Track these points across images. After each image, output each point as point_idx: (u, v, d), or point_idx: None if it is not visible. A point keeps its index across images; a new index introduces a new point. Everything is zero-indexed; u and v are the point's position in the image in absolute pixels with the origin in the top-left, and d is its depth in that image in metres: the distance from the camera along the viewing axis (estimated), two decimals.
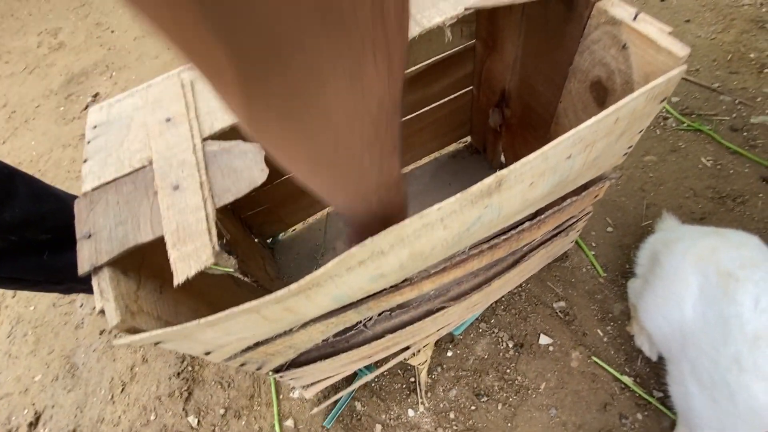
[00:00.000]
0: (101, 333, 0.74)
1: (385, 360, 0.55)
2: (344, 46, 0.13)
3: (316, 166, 0.18)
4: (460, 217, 0.28)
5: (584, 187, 0.39)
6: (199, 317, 0.25)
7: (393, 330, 0.44)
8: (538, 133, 0.49)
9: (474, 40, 0.49)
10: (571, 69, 0.39)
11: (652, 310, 0.44)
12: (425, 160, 0.68)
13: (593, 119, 0.27)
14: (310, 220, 0.69)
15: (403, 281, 0.35)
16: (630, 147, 0.36)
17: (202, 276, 0.42)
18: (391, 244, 0.26)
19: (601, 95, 0.37)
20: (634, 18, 0.31)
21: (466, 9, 0.35)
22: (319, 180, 0.20)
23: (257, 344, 0.33)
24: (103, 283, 0.27)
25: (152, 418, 0.62)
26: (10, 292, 0.84)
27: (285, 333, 0.34)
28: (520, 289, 0.58)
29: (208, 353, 0.31)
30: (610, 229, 0.60)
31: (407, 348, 0.54)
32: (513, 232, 0.37)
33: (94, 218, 0.29)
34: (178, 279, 0.27)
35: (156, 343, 0.27)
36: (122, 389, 0.66)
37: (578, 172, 0.33)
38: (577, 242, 0.59)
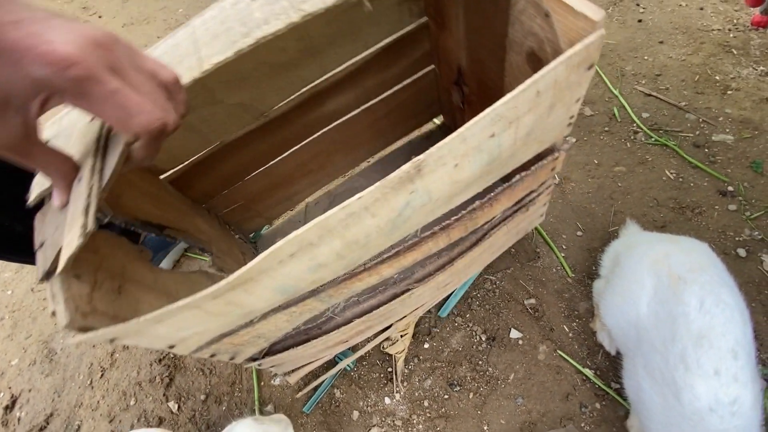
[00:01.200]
0: None
1: (365, 344, 0.58)
2: None
3: None
4: (386, 205, 0.28)
5: (534, 161, 0.38)
6: None
7: (362, 314, 0.45)
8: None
9: (425, 18, 0.49)
10: (508, 41, 0.38)
11: (612, 307, 0.48)
12: (399, 143, 0.68)
13: (509, 95, 0.26)
14: (291, 213, 0.71)
15: (360, 268, 0.36)
16: (572, 117, 0.35)
17: (170, 275, 0.43)
18: (318, 236, 0.27)
19: (537, 66, 0.35)
20: None
21: None
22: None
23: (222, 336, 0.34)
24: (54, 287, 0.28)
25: (132, 403, 0.63)
26: None
27: (246, 325, 0.35)
28: (494, 286, 0.61)
29: (171, 347, 0.32)
30: (579, 233, 0.64)
31: (386, 329, 0.56)
32: (464, 212, 0.38)
33: (44, 228, 0.31)
34: (59, 269, 0.27)
35: (111, 340, 0.28)
36: (101, 375, 0.67)
37: (512, 150, 0.33)
38: (548, 244, 0.63)
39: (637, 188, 0.67)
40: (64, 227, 0.28)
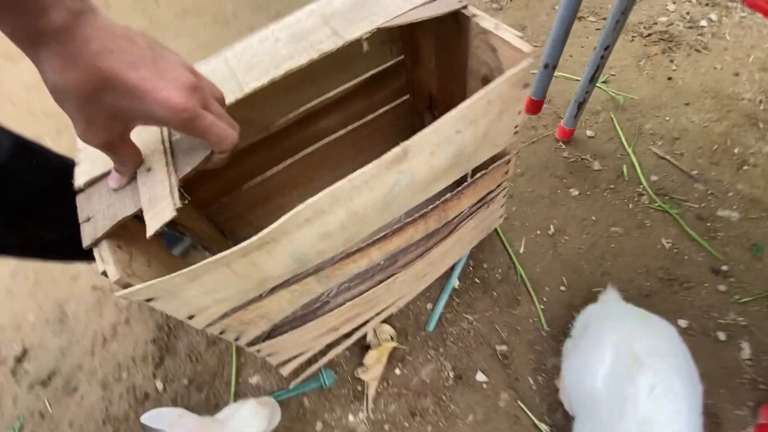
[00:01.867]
0: (93, 288, 0.81)
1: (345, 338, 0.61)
2: None
3: None
4: (380, 180, 0.36)
5: (490, 162, 0.48)
6: None
7: (353, 298, 0.52)
8: None
9: (403, 56, 0.60)
10: (468, 70, 0.49)
11: (572, 371, 0.49)
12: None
13: (469, 100, 0.36)
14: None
15: (354, 248, 0.43)
16: (516, 126, 0.46)
17: (184, 261, 0.49)
18: (329, 203, 0.35)
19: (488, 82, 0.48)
20: (496, 28, 0.41)
21: (377, 27, 0.43)
22: None
23: (233, 310, 0.40)
24: (103, 252, 0.34)
25: (124, 375, 0.69)
26: None
27: (255, 299, 0.41)
28: (470, 326, 0.64)
29: (191, 317, 0.37)
30: (563, 288, 0.65)
31: (368, 322, 0.61)
32: (438, 202, 0.46)
33: (90, 205, 0.36)
34: (150, 232, 0.33)
35: (148, 300, 0.33)
36: (103, 344, 0.73)
37: (474, 146, 0.43)
38: (529, 293, 0.64)
39: (630, 252, 0.67)
40: (125, 203, 0.35)
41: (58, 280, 0.84)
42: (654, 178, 0.75)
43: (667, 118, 0.83)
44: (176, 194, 0.34)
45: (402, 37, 0.57)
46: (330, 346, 0.61)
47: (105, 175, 0.37)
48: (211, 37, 1.29)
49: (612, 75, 0.93)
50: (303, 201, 0.89)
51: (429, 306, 0.66)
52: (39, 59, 0.26)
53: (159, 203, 0.33)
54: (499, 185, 0.55)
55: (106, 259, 0.33)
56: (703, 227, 0.68)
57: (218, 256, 0.32)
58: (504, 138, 0.46)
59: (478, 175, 0.48)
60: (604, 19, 1.05)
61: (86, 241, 0.34)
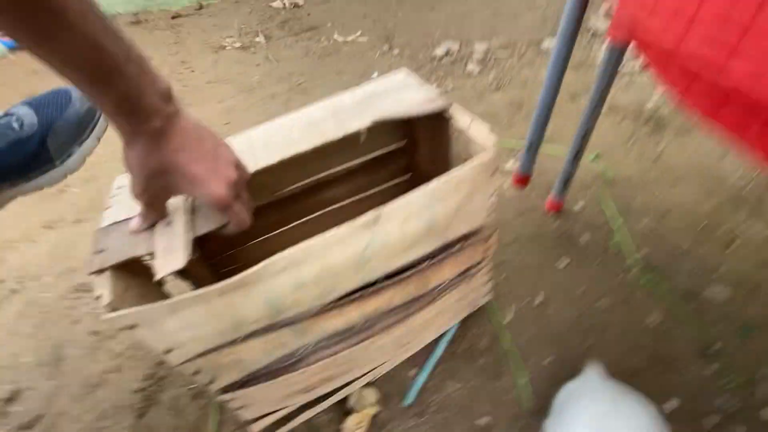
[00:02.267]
0: (92, 333, 0.83)
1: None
2: None
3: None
4: (354, 240, 0.41)
5: (467, 237, 0.52)
6: None
7: (327, 357, 0.53)
8: None
9: (405, 142, 0.68)
10: (450, 156, 0.57)
11: None
12: None
13: (437, 180, 0.42)
14: None
15: (330, 305, 0.45)
16: (490, 208, 0.50)
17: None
18: (304, 256, 0.39)
19: None
20: (470, 123, 0.48)
21: (373, 121, 0.51)
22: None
23: (209, 351, 0.43)
24: (104, 279, 0.38)
25: (105, 425, 0.69)
26: (34, 276, 0.97)
27: (230, 343, 0.43)
28: (455, 395, 0.63)
29: (169, 350, 0.40)
30: (549, 360, 0.64)
31: (345, 387, 0.61)
32: (416, 269, 0.50)
33: (106, 240, 0.41)
34: (159, 275, 0.37)
35: (131, 327, 0.36)
36: (91, 391, 0.74)
37: (447, 220, 0.47)
38: (513, 365, 0.64)
39: (617, 327, 0.67)
40: (138, 245, 0.40)
41: (60, 323, 0.87)
42: (642, 253, 0.76)
43: (656, 194, 0.86)
44: (189, 249, 0.39)
45: (403, 127, 0.65)
46: (306, 407, 0.60)
47: (126, 220, 0.43)
48: (236, 103, 1.42)
49: (602, 152, 0.99)
50: None
51: (413, 372, 0.66)
52: (131, 145, 0.35)
53: (172, 253, 0.38)
54: (481, 260, 0.58)
55: (103, 285, 0.37)
56: (691, 306, 0.68)
57: (197, 291, 0.36)
58: (478, 216, 0.50)
59: (457, 246, 0.52)
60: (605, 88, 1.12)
61: (92, 268, 0.38)
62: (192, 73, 1.64)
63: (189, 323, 0.38)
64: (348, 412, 0.62)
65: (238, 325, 0.42)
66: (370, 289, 0.48)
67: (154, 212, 0.41)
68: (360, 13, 1.90)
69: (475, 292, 0.65)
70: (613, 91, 0.66)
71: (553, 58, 0.60)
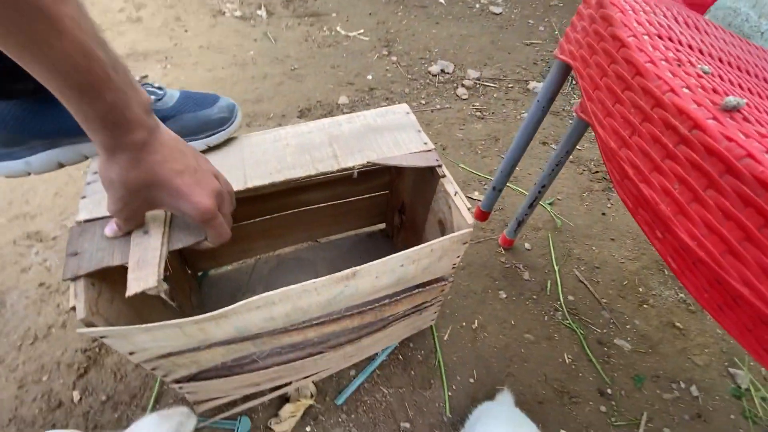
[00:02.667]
0: (40, 285, 0.83)
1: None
2: None
3: None
4: (329, 289, 0.44)
5: (428, 283, 0.57)
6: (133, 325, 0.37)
7: (280, 364, 0.56)
8: (416, 236, 0.70)
9: (390, 170, 0.72)
10: (431, 207, 0.60)
11: None
12: (348, 234, 0.87)
13: (414, 248, 0.46)
14: (240, 262, 0.82)
15: (291, 327, 0.49)
16: (454, 265, 0.55)
17: (141, 295, 0.54)
18: (280, 299, 0.41)
19: (442, 228, 0.58)
20: (455, 194, 0.52)
21: (368, 162, 0.54)
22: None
23: (170, 354, 0.44)
24: (78, 289, 0.39)
25: (44, 378, 0.70)
26: None
27: (194, 349, 0.45)
28: (384, 399, 0.70)
29: (132, 353, 0.42)
30: (472, 380, 0.73)
31: (286, 385, 0.65)
32: (377, 304, 0.53)
33: (81, 242, 0.41)
34: (130, 292, 0.38)
35: (101, 337, 0.37)
36: (32, 342, 0.74)
37: (414, 274, 0.51)
38: (441, 380, 0.72)
39: (536, 360, 0.76)
40: (113, 253, 0.41)
41: (7, 268, 0.85)
42: (570, 297, 0.86)
43: (594, 248, 0.97)
44: (162, 266, 0.39)
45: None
46: (251, 397, 0.65)
47: (103, 219, 0.43)
48: (226, 75, 1.41)
49: (558, 199, 1.09)
50: (268, 250, 1.00)
51: (353, 372, 0.72)
52: (113, 159, 0.34)
53: (145, 268, 0.39)
54: (435, 298, 0.63)
55: (78, 296, 0.38)
56: (601, 350, 0.78)
57: (174, 321, 0.38)
58: (442, 271, 0.55)
59: (417, 290, 0.56)
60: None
61: (67, 275, 0.39)
62: (185, 33, 1.59)
63: (159, 338, 0.40)
64: (286, 400, 0.67)
65: (205, 341, 0.44)
66: (331, 317, 0.51)
67: (132, 224, 0.41)
68: (367, 10, 1.91)
69: (422, 321, 0.70)
70: (581, 141, 0.73)
71: (530, 116, 0.67)
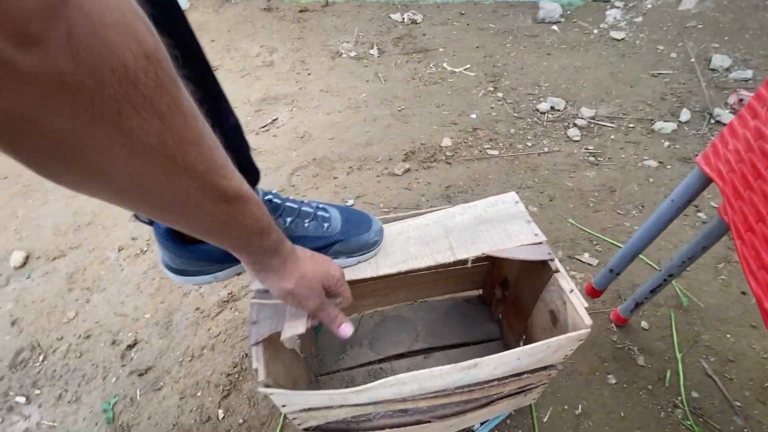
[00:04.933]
0: (196, 309, 1.02)
1: None
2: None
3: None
4: (452, 376, 0.50)
5: (537, 369, 0.58)
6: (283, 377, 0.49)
7: (391, 427, 0.63)
8: (520, 317, 0.71)
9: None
10: (541, 296, 0.61)
11: None
12: (446, 296, 0.91)
13: (534, 345, 0.49)
14: (352, 316, 0.90)
15: (408, 397, 0.56)
16: (566, 356, 0.56)
17: (285, 351, 0.65)
18: (410, 380, 0.49)
19: (554, 319, 0.59)
20: (571, 291, 0.53)
21: (482, 254, 0.58)
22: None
23: (310, 409, 0.54)
24: (258, 352, 0.51)
25: (198, 393, 0.87)
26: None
27: (328, 407, 0.54)
28: None
29: (284, 406, 0.52)
30: None
31: None
32: (485, 385, 0.57)
33: (258, 313, 0.54)
34: (283, 336, 0.50)
35: (270, 394, 0.49)
36: (190, 359, 0.93)
37: (528, 365, 0.55)
38: None
39: None
40: (279, 322, 0.52)
41: (174, 290, 1.07)
42: (694, 394, 0.78)
43: (728, 335, 0.86)
44: (307, 323, 0.51)
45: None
46: None
47: (272, 302, 0.56)
48: (341, 119, 1.55)
49: (686, 270, 0.98)
50: (373, 307, 1.09)
51: None
52: (283, 271, 0.43)
53: (295, 321, 0.51)
54: (540, 381, 0.64)
55: (258, 359, 0.50)
56: None
57: (326, 392, 0.49)
58: (553, 360, 0.57)
59: (525, 375, 0.58)
60: (705, 223, 1.09)
61: (252, 340, 0.52)
62: (308, 76, 1.78)
63: (309, 401, 0.51)
64: None
65: (342, 405, 0.53)
66: (443, 392, 0.56)
67: (331, 314, 0.51)
68: (474, 43, 1.92)
69: (525, 400, 0.71)
70: (718, 196, 0.63)
71: (661, 214, 0.63)
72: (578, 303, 0.52)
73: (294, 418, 0.57)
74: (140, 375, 0.92)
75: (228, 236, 0.36)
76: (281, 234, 0.42)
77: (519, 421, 0.76)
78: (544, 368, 0.59)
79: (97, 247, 1.21)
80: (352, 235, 0.58)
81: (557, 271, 0.56)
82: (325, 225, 0.57)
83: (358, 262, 0.60)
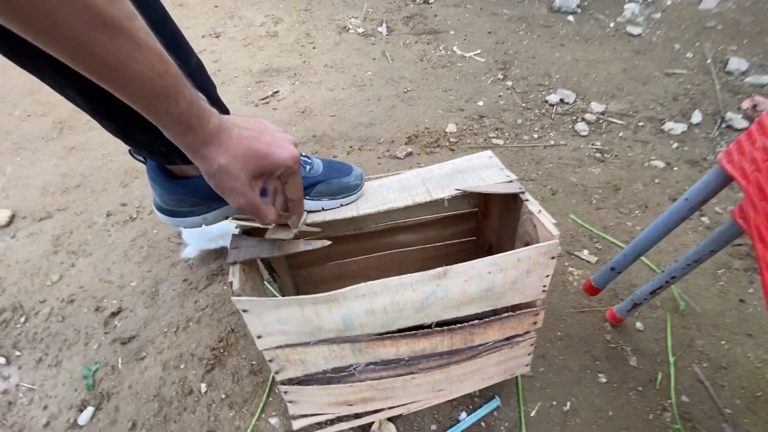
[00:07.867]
0: (184, 281, 0.99)
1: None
2: None
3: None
4: (422, 286, 0.50)
5: (518, 307, 0.59)
6: None
7: (373, 379, 0.63)
8: None
9: (477, 208, 0.75)
10: (517, 234, 0.63)
11: None
12: None
13: (501, 254, 0.49)
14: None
15: (384, 334, 0.56)
16: (545, 286, 0.56)
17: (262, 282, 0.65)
18: (381, 289, 0.49)
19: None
20: (539, 212, 0.55)
21: (456, 189, 0.60)
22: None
23: (287, 345, 0.55)
24: (235, 270, 0.52)
25: (181, 366, 0.85)
26: (150, 208, 1.15)
27: (304, 344, 0.55)
28: None
29: (259, 337, 0.53)
30: None
31: (380, 411, 0.70)
32: (466, 324, 0.58)
33: (240, 241, 0.55)
34: (268, 236, 0.53)
35: (244, 311, 0.49)
36: (175, 331, 0.91)
37: (503, 288, 0.54)
38: None
39: None
40: (261, 250, 0.54)
41: (162, 261, 1.04)
42: (684, 398, 0.77)
43: (723, 343, 0.85)
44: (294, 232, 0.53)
45: (477, 196, 0.73)
46: (338, 420, 0.71)
47: (254, 229, 0.58)
48: (344, 96, 1.50)
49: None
50: None
51: (434, 427, 0.74)
52: (203, 155, 0.38)
53: (280, 230, 0.54)
54: (526, 332, 0.64)
55: (235, 275, 0.51)
56: None
57: (298, 297, 0.49)
58: (532, 292, 0.57)
59: (506, 314, 0.60)
60: (709, 228, 1.06)
61: (229, 259, 0.52)
62: (313, 50, 1.72)
63: (282, 319, 0.51)
64: None
65: (316, 330, 0.53)
66: (422, 332, 0.57)
67: (264, 214, 0.45)
68: (486, 28, 1.86)
69: (514, 361, 0.70)
70: (723, 201, 0.60)
71: (672, 213, 0.60)
72: (546, 220, 0.53)
73: (270, 360, 0.56)
74: (123, 343, 0.90)
75: (126, 90, 0.31)
76: (202, 108, 0.36)
77: (506, 414, 0.75)
78: (526, 305, 0.59)
79: (85, 210, 1.17)
80: (333, 177, 0.60)
81: (527, 199, 0.58)
82: (307, 167, 0.59)
83: (341, 205, 0.61)
